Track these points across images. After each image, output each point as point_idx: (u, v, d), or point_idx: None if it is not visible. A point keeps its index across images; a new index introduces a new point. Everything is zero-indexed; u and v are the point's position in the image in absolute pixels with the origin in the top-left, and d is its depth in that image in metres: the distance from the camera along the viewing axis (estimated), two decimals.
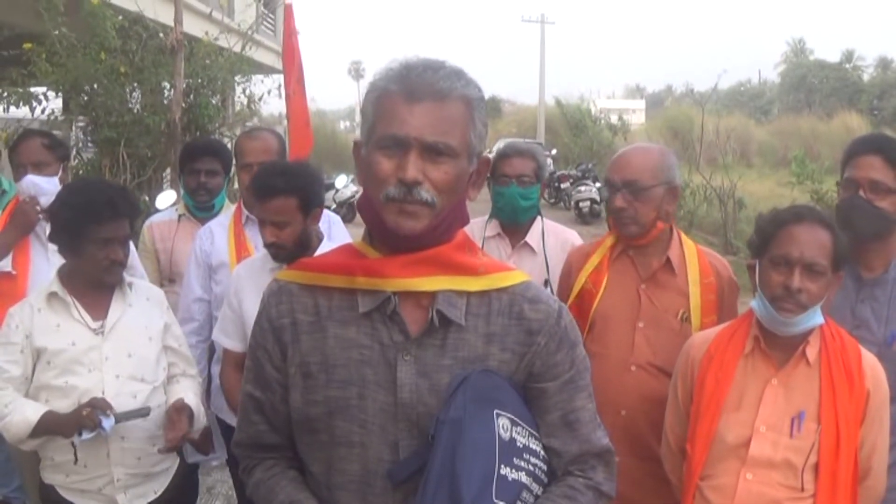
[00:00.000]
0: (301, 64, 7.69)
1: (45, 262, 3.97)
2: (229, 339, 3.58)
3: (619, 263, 3.34)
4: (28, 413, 3.07)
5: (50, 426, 3.08)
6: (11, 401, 3.12)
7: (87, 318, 3.22)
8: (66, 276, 3.27)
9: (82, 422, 2.99)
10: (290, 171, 3.45)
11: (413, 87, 1.75)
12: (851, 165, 3.18)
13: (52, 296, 3.22)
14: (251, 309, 3.40)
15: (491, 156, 4.30)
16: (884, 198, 3.06)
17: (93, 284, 3.24)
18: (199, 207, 4.62)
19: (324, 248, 3.45)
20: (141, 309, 3.34)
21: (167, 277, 4.58)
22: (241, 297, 3.51)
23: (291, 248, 3.39)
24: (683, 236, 3.36)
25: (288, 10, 8.03)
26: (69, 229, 3.19)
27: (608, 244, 3.38)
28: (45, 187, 4.00)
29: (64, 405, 3.11)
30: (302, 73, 7.68)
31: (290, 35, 7.80)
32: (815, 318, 2.68)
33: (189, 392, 3.37)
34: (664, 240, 3.29)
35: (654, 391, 3.18)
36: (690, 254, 3.29)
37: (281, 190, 3.34)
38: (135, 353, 3.24)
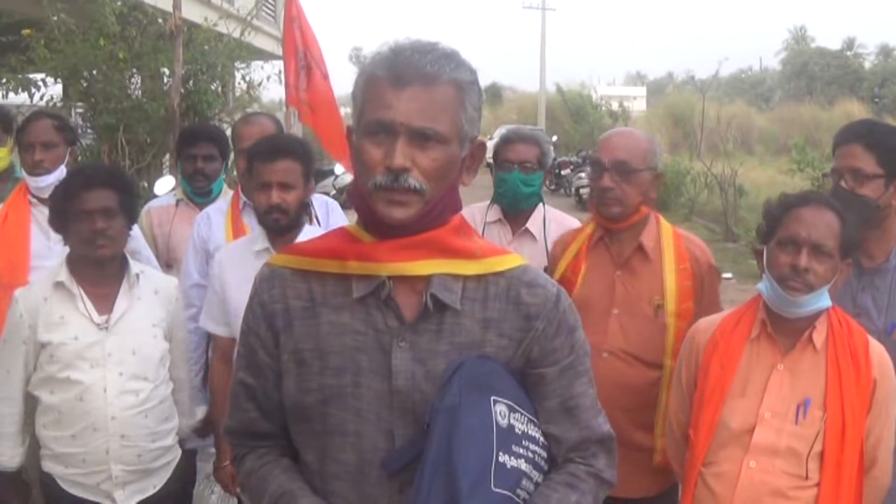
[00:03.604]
0: (314, 47, 7.60)
1: (46, 250, 3.96)
2: (215, 324, 3.54)
3: (596, 251, 3.33)
4: None
5: None
6: None
7: (93, 311, 3.16)
8: (73, 263, 3.21)
9: None
10: (294, 138, 3.46)
11: (400, 71, 1.72)
12: (836, 156, 3.19)
13: (59, 285, 3.17)
14: (234, 294, 3.38)
15: (492, 142, 4.29)
16: (864, 184, 3.05)
17: (93, 267, 3.18)
18: (197, 193, 4.61)
19: (310, 233, 3.43)
20: (149, 303, 3.29)
21: (164, 263, 4.57)
22: (225, 281, 3.46)
23: (294, 215, 3.37)
24: (662, 221, 3.35)
25: None
26: (55, 209, 3.19)
27: (587, 232, 3.38)
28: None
29: (67, 397, 3.10)
30: (314, 56, 7.57)
31: (290, 21, 7.75)
32: (823, 300, 2.65)
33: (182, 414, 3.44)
34: (639, 225, 3.28)
35: (626, 378, 3.17)
36: (667, 239, 3.28)
37: (289, 152, 3.33)
38: (139, 351, 3.20)
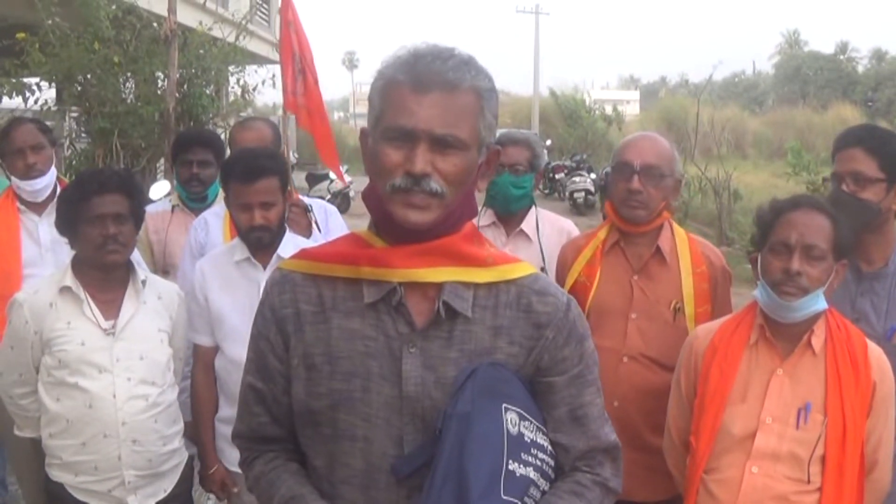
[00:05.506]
0: (307, 51, 7.58)
1: (38, 258, 3.94)
2: (198, 335, 3.54)
3: (611, 255, 3.34)
4: None
5: None
6: None
7: (99, 316, 3.15)
8: (78, 268, 3.19)
9: None
10: (270, 153, 3.49)
11: (422, 77, 1.71)
12: (836, 160, 3.19)
13: (65, 290, 3.15)
14: (217, 302, 3.43)
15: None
16: (866, 188, 3.06)
17: (100, 272, 3.16)
18: (193, 198, 4.60)
19: (294, 241, 3.46)
20: (153, 308, 3.28)
21: (161, 269, 4.56)
22: (207, 291, 3.47)
23: (276, 231, 3.41)
24: (675, 226, 3.37)
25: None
26: (64, 212, 3.16)
27: (601, 237, 3.38)
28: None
29: (75, 405, 3.08)
30: (307, 61, 7.55)
31: (286, 25, 7.73)
32: (818, 302, 2.65)
33: None
34: (656, 230, 3.30)
35: (646, 382, 3.19)
36: (682, 243, 3.30)
37: (266, 170, 3.33)
38: (147, 356, 3.19)
